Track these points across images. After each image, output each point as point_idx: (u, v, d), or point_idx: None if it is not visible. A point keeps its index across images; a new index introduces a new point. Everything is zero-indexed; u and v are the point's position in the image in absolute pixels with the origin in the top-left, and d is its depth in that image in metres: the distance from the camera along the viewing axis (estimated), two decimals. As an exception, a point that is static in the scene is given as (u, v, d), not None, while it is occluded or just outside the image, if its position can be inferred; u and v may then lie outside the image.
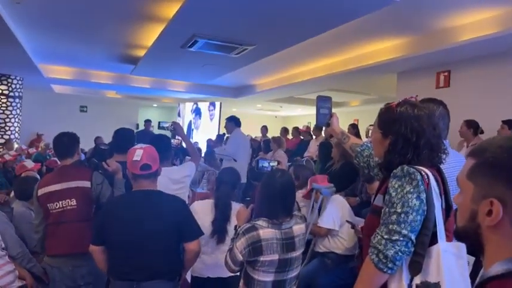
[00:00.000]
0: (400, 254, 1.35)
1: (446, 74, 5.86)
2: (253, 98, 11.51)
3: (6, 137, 9.08)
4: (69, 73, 9.43)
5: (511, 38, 4.49)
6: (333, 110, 2.12)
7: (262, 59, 6.58)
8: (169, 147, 3.04)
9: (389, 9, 4.00)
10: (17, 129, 9.44)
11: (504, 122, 4.59)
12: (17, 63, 7.73)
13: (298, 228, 2.00)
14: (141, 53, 7.02)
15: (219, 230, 2.48)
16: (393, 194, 1.41)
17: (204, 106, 12.48)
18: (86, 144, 8.73)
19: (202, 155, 7.41)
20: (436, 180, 1.45)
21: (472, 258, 1.75)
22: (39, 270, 2.87)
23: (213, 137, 9.81)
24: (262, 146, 7.99)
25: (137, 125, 14.01)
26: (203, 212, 2.55)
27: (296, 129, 9.33)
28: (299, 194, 3.58)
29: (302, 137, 8.81)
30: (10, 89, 9.20)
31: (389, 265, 1.36)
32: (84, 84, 10.76)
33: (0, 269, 2.65)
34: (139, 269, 2.02)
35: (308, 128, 9.73)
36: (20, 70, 8.71)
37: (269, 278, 1.92)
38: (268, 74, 9.00)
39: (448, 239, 1.42)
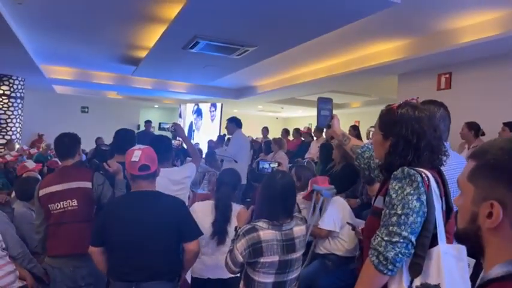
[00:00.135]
0: (400, 255, 1.35)
1: (447, 75, 5.86)
2: (254, 99, 11.52)
3: (8, 137, 9.10)
4: (71, 74, 9.46)
5: (512, 40, 4.49)
6: (334, 112, 2.12)
7: (263, 61, 6.58)
8: (170, 148, 3.05)
9: (391, 10, 4.01)
10: (18, 129, 9.46)
11: (505, 124, 4.58)
12: (18, 63, 7.75)
13: (299, 230, 2.00)
14: (143, 54, 7.03)
15: (220, 231, 2.48)
16: (393, 195, 1.41)
17: (205, 107, 12.49)
18: (87, 144, 8.75)
19: (203, 156, 7.41)
20: (437, 182, 1.45)
21: (473, 261, 1.75)
22: (40, 270, 2.87)
23: (214, 138, 9.82)
24: (263, 147, 7.99)
25: (138, 125, 14.03)
26: (203, 213, 2.55)
27: (297, 131, 9.33)
28: (300, 196, 3.58)
29: (303, 139, 8.81)
30: (12, 89, 9.22)
31: (390, 267, 1.36)
32: (86, 85, 10.79)
33: (1, 269, 2.65)
34: (139, 270, 2.02)
35: (309, 129, 9.75)
36: (21, 71, 8.73)
37: (269, 279, 1.92)
38: (270, 75, 9.01)
39: (449, 241, 1.42)
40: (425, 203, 1.39)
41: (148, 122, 10.37)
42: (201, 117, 12.71)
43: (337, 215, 3.34)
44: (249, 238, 1.88)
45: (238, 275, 2.05)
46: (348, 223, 3.24)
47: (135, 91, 11.58)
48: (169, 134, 5.25)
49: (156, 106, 16.22)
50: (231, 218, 2.49)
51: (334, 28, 4.67)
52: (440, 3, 4.21)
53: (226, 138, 8.96)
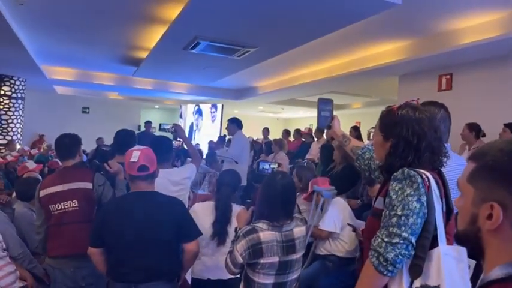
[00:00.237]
0: (400, 257, 1.35)
1: (448, 76, 5.86)
2: (254, 100, 11.53)
3: (9, 137, 9.11)
4: (72, 74, 9.47)
5: (513, 41, 4.49)
6: (335, 113, 2.12)
7: (264, 61, 6.58)
8: (170, 148, 3.05)
9: (391, 11, 4.00)
10: (19, 130, 9.47)
11: (506, 125, 4.57)
12: (19, 64, 7.76)
13: (299, 231, 2.00)
14: (144, 54, 7.04)
15: (220, 231, 2.48)
16: (394, 196, 1.41)
17: (206, 108, 12.50)
18: (88, 145, 8.76)
19: (204, 156, 7.41)
20: (437, 183, 1.45)
21: (473, 262, 1.74)
22: (40, 271, 2.88)
23: (215, 139, 9.82)
24: (263, 148, 8.00)
25: (139, 126, 14.04)
26: (204, 213, 2.55)
27: (298, 131, 9.33)
28: (300, 197, 3.58)
29: (304, 139, 8.80)
30: (13, 90, 9.24)
31: (390, 268, 1.35)
32: (87, 86, 10.80)
33: (1, 269, 2.66)
34: (138, 270, 2.02)
35: (310, 130, 9.74)
36: (22, 71, 8.75)
37: (269, 280, 1.91)
38: (270, 76, 9.01)
39: (449, 242, 1.41)
40: (425, 204, 1.39)
41: (148, 123, 10.37)
42: (202, 117, 12.71)
43: (337, 216, 3.34)
44: (248, 239, 1.88)
45: (239, 275, 2.05)
46: (348, 224, 3.23)
47: (136, 92, 11.60)
48: (169, 135, 5.25)
49: (157, 107, 16.23)
50: (231, 219, 2.48)
51: (334, 29, 4.67)
52: (441, 4, 4.21)
53: (226, 139, 8.96)
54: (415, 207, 1.37)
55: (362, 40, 5.70)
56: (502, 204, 0.74)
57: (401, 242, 1.35)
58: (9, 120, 9.22)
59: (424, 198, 1.39)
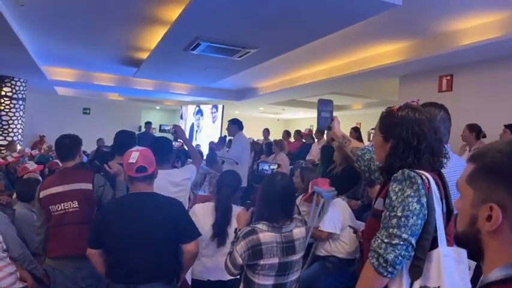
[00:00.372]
0: (400, 258, 1.35)
1: (448, 78, 5.85)
2: (255, 101, 11.53)
3: (9, 138, 9.12)
4: (73, 75, 9.49)
5: (513, 42, 4.48)
6: (335, 114, 2.12)
7: (264, 62, 6.59)
8: (170, 149, 3.04)
9: (392, 12, 4.01)
10: (20, 131, 9.49)
11: (506, 126, 4.57)
12: (20, 65, 7.77)
13: (299, 232, 2.00)
14: (144, 55, 7.05)
15: (220, 232, 2.48)
16: (394, 197, 1.41)
17: (206, 108, 12.50)
18: (89, 146, 8.76)
19: (204, 157, 7.41)
20: (437, 185, 1.45)
21: (474, 263, 1.74)
22: (40, 272, 2.88)
23: (215, 140, 9.82)
24: (264, 148, 7.99)
25: (140, 127, 14.06)
26: (204, 214, 2.55)
27: (298, 132, 9.32)
28: (300, 198, 3.58)
29: (304, 140, 8.80)
30: (14, 91, 9.25)
31: (390, 269, 1.35)
32: (87, 87, 10.82)
33: (1, 270, 2.66)
34: (137, 272, 2.02)
35: (310, 131, 9.72)
36: (23, 72, 8.76)
37: (269, 281, 1.91)
38: (271, 77, 9.02)
39: (449, 244, 1.41)
40: (425, 205, 1.39)
41: (148, 124, 10.38)
42: (203, 117, 12.72)
43: (337, 217, 3.34)
44: (248, 240, 1.88)
45: (238, 277, 2.04)
46: (349, 226, 3.23)
47: (136, 93, 11.61)
48: (170, 136, 5.25)
49: (158, 108, 16.25)
50: (231, 220, 2.48)
51: (335, 30, 4.67)
52: (442, 5, 4.21)
53: (227, 139, 8.96)
54: (415, 208, 1.37)
55: (362, 41, 5.70)
56: (502, 205, 0.73)
57: (401, 243, 1.35)
58: (10, 121, 9.23)
59: (424, 200, 1.39)
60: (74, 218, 2.54)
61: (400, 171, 1.44)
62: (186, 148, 4.44)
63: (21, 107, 9.47)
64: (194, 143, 11.27)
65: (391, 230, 1.38)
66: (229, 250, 1.98)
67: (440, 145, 1.53)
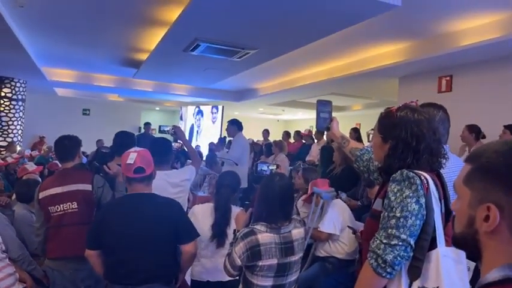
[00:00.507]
0: (399, 258, 1.35)
1: (448, 78, 5.86)
2: (255, 101, 11.53)
3: (9, 139, 9.12)
4: (72, 76, 9.49)
5: (513, 43, 4.48)
6: (335, 114, 2.12)
7: (264, 63, 6.59)
8: (169, 150, 3.04)
9: (391, 13, 4.01)
10: (19, 132, 9.48)
11: (506, 126, 4.57)
12: (20, 66, 7.77)
13: (297, 233, 2.00)
14: (144, 56, 7.05)
15: (219, 233, 2.48)
16: (392, 198, 1.41)
17: (206, 109, 12.51)
18: (89, 147, 8.76)
19: (204, 159, 7.41)
20: (436, 185, 1.45)
21: (473, 264, 1.74)
22: (40, 272, 2.88)
23: (215, 141, 9.82)
24: (263, 149, 7.99)
25: (139, 128, 14.06)
26: (203, 215, 2.55)
27: (298, 133, 9.32)
28: (301, 199, 3.58)
29: (304, 141, 8.80)
30: (13, 91, 9.25)
31: (388, 270, 1.35)
32: (87, 88, 10.82)
33: (1, 271, 2.65)
34: (135, 273, 2.02)
35: (310, 131, 9.72)
36: (23, 73, 8.76)
37: (268, 282, 1.91)
38: (271, 77, 9.02)
39: (448, 244, 1.41)
40: (424, 205, 1.39)
41: (147, 124, 10.38)
42: (203, 117, 12.71)
43: (337, 218, 3.34)
44: (247, 241, 1.87)
45: (238, 278, 2.04)
46: (349, 227, 3.23)
47: (136, 93, 11.61)
48: (169, 137, 5.25)
49: (157, 108, 16.25)
50: (231, 221, 2.48)
51: (334, 31, 4.68)
52: (441, 5, 4.21)
53: (227, 140, 8.96)
54: (414, 208, 1.37)
55: (362, 42, 5.70)
56: (499, 205, 0.73)
57: (400, 243, 1.35)
58: (10, 122, 9.23)
59: (422, 200, 1.39)
60: (73, 219, 2.54)
61: (398, 171, 1.44)
62: (186, 149, 4.44)
63: (21, 108, 9.47)
64: (194, 144, 11.28)
65: (389, 230, 1.37)
66: (228, 251, 1.98)
67: (439, 146, 1.53)
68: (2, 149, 8.81)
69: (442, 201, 1.47)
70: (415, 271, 1.37)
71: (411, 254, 1.37)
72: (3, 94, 9.15)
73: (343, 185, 4.13)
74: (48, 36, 6.28)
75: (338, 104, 11.79)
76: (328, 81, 7.54)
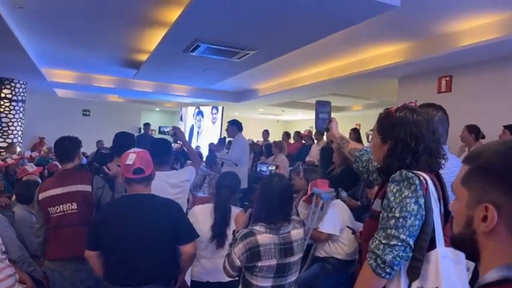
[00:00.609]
0: (398, 259, 1.35)
1: (448, 78, 5.86)
2: (255, 102, 11.53)
3: (9, 140, 9.12)
4: (72, 77, 9.49)
5: (512, 43, 4.48)
6: (335, 115, 2.12)
7: (264, 64, 6.59)
8: (169, 151, 3.04)
9: (391, 14, 4.01)
10: (19, 133, 9.48)
11: (506, 127, 4.57)
12: (20, 67, 7.78)
13: (296, 233, 2.00)
14: (144, 57, 7.05)
15: (219, 234, 2.48)
16: (391, 198, 1.41)
17: (206, 110, 12.51)
18: (89, 148, 8.76)
19: (204, 159, 7.41)
20: (435, 185, 1.45)
21: (472, 264, 1.74)
22: (40, 274, 2.87)
23: (215, 141, 9.83)
24: (263, 150, 7.99)
25: (139, 128, 14.07)
26: (203, 216, 2.55)
27: (297, 134, 9.32)
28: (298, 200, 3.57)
29: (304, 142, 8.80)
30: (13, 93, 9.25)
31: (388, 270, 1.35)
32: (87, 88, 10.82)
33: (1, 272, 2.64)
34: (134, 274, 2.02)
35: (310, 132, 9.72)
36: (23, 74, 8.76)
37: (268, 283, 1.91)
38: (270, 78, 9.02)
39: (447, 244, 1.41)
40: (423, 206, 1.39)
41: (147, 125, 10.38)
42: (204, 118, 12.72)
43: (337, 219, 3.34)
44: (246, 242, 1.87)
45: (237, 278, 2.04)
46: (348, 227, 3.23)
47: (136, 94, 11.61)
48: (169, 138, 5.26)
49: (157, 109, 16.25)
50: (230, 221, 2.48)
51: (334, 31, 4.68)
52: (441, 6, 4.21)
53: (226, 141, 8.96)
54: (413, 209, 1.37)
55: (362, 42, 5.71)
56: (496, 205, 0.73)
57: (399, 244, 1.35)
58: (10, 123, 9.23)
59: (421, 200, 1.39)
60: (73, 220, 2.54)
61: (398, 172, 1.44)
62: (186, 150, 4.44)
63: (21, 109, 9.48)
64: (194, 145, 11.28)
65: (389, 231, 1.38)
66: (228, 252, 1.98)
67: (438, 146, 1.54)
68: (2, 150, 8.81)
69: (441, 201, 1.47)
70: (415, 271, 1.37)
71: (410, 255, 1.37)
72: (3, 95, 9.15)
73: (343, 186, 4.12)
74: (48, 37, 6.28)
75: (338, 105, 11.80)
76: (328, 82, 7.54)
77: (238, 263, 1.89)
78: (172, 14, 4.72)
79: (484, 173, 0.77)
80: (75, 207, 2.55)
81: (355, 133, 7.12)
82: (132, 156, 2.09)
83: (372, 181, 1.92)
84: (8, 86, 9.18)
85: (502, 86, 5.15)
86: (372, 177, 1.84)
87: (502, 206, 0.73)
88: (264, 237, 1.89)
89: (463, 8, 4.25)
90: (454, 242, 0.87)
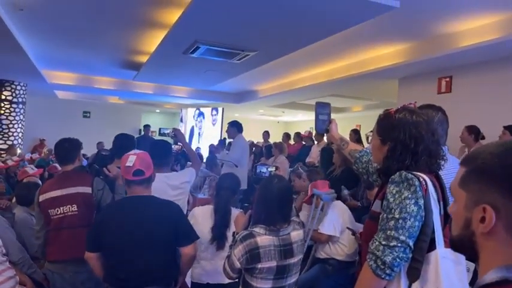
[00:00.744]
0: (398, 260, 1.35)
1: (448, 79, 5.86)
2: (255, 103, 11.54)
3: (10, 142, 9.12)
4: (73, 79, 9.50)
5: (512, 44, 4.49)
6: (336, 116, 2.12)
7: (264, 65, 6.60)
8: (169, 153, 3.05)
9: (391, 14, 4.02)
10: (20, 134, 9.49)
11: (506, 127, 4.57)
12: (20, 69, 7.79)
13: (296, 235, 1.99)
14: (144, 59, 7.06)
15: (219, 235, 2.48)
16: (391, 199, 1.41)
17: (207, 111, 12.52)
18: (89, 149, 8.78)
19: (204, 161, 7.42)
20: (435, 186, 1.45)
21: (472, 265, 1.74)
22: (40, 275, 2.87)
23: (215, 143, 9.82)
24: (263, 151, 7.99)
25: (140, 130, 14.08)
26: (203, 217, 2.56)
27: (298, 135, 9.32)
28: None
29: (304, 142, 8.80)
30: (14, 94, 9.27)
31: (387, 271, 1.35)
32: (87, 90, 10.84)
33: (1, 274, 2.64)
34: (134, 275, 2.02)
35: (310, 133, 9.72)
36: (23, 76, 8.78)
37: (268, 285, 1.91)
38: (270, 79, 9.03)
39: (447, 245, 1.41)
40: (423, 207, 1.39)
41: (147, 127, 10.38)
42: (204, 119, 12.72)
43: (337, 220, 3.34)
44: (246, 244, 1.87)
45: (237, 280, 2.04)
46: (348, 228, 3.23)
47: (136, 96, 11.63)
48: (170, 139, 5.26)
49: (158, 111, 16.26)
50: (230, 223, 2.48)
51: (334, 33, 4.68)
52: (440, 6, 4.21)
53: (227, 142, 8.96)
54: (413, 210, 1.37)
55: (362, 43, 5.71)
56: (494, 206, 0.74)
57: (399, 245, 1.35)
58: (10, 125, 9.24)
59: (421, 201, 1.39)
60: (73, 222, 2.54)
61: (397, 173, 1.44)
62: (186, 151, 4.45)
63: (21, 110, 9.49)
64: (194, 146, 11.28)
65: (388, 232, 1.38)
66: (228, 254, 1.98)
67: (437, 147, 1.54)
68: (2, 152, 8.82)
69: (441, 202, 1.47)
70: (414, 272, 1.37)
71: (410, 256, 1.37)
72: (3, 97, 9.16)
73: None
74: (49, 39, 6.29)
75: (338, 106, 11.80)
76: (328, 83, 7.54)
77: (238, 264, 1.89)
78: (172, 16, 4.73)
79: (481, 175, 0.77)
80: (76, 209, 2.55)
81: (356, 134, 7.11)
82: (132, 158, 2.09)
83: (371, 182, 1.92)
84: (9, 88, 9.20)
85: (502, 87, 5.15)
86: (372, 179, 1.84)
87: (499, 207, 0.73)
88: (264, 239, 1.89)
89: (463, 8, 4.25)
90: (453, 244, 0.87)
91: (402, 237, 1.35)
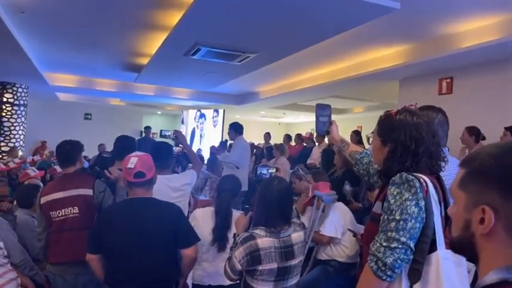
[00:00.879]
0: (399, 261, 1.35)
1: (448, 80, 5.85)
2: (256, 105, 11.54)
3: (11, 144, 9.14)
4: (74, 81, 9.52)
5: (513, 44, 4.48)
6: (337, 117, 2.12)
7: (265, 67, 6.60)
8: (170, 154, 3.05)
9: (391, 16, 4.01)
10: (21, 137, 9.51)
11: (507, 128, 4.56)
12: (22, 71, 7.81)
13: (297, 236, 1.99)
14: (145, 61, 7.07)
15: (220, 237, 2.48)
16: (392, 201, 1.41)
17: (208, 113, 12.52)
18: (91, 151, 8.78)
19: (205, 162, 7.42)
20: (435, 188, 1.45)
21: (474, 266, 1.73)
22: (41, 278, 2.88)
23: (217, 144, 9.83)
24: (265, 153, 7.99)
25: (141, 132, 14.08)
26: (204, 219, 2.56)
27: (299, 136, 9.32)
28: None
29: (305, 144, 8.80)
30: (15, 97, 9.28)
31: (388, 273, 1.35)
32: (89, 92, 10.85)
33: (3, 276, 2.65)
34: (136, 277, 2.03)
35: (311, 134, 9.72)
36: (25, 78, 8.79)
37: (268, 286, 1.91)
38: (271, 81, 9.03)
39: (448, 247, 1.41)
40: (423, 208, 1.39)
41: (148, 128, 10.38)
42: (206, 120, 12.72)
43: (338, 221, 3.34)
44: (246, 246, 1.87)
45: (238, 281, 2.04)
46: (349, 230, 3.23)
47: (137, 98, 11.64)
48: (171, 141, 5.26)
49: (159, 113, 16.27)
50: (231, 225, 2.48)
51: (334, 34, 4.69)
52: (441, 7, 4.21)
53: (228, 143, 8.97)
54: (413, 211, 1.37)
55: (362, 44, 5.71)
56: (494, 207, 0.74)
57: (400, 246, 1.35)
58: (12, 127, 9.25)
59: (422, 203, 1.39)
60: (75, 224, 2.54)
61: (398, 174, 1.44)
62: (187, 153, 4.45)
63: (23, 113, 9.50)
64: (195, 148, 11.29)
65: (389, 233, 1.38)
66: (229, 255, 1.98)
67: (438, 148, 1.54)
68: (4, 154, 8.83)
69: (442, 204, 1.47)
70: (415, 274, 1.37)
71: (411, 257, 1.37)
72: (5, 99, 9.18)
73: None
74: (50, 42, 6.31)
75: (339, 107, 11.80)
76: (329, 84, 7.54)
77: (238, 266, 1.89)
78: (173, 18, 4.74)
79: (479, 176, 0.78)
80: (77, 211, 2.56)
81: (357, 135, 7.11)
82: (133, 160, 2.09)
83: (372, 184, 1.92)
84: (10, 91, 9.21)
85: (502, 88, 5.14)
86: (373, 180, 1.84)
87: (499, 208, 0.73)
88: (264, 240, 1.89)
89: (463, 9, 4.25)
90: (453, 245, 0.87)
91: (403, 239, 1.35)
